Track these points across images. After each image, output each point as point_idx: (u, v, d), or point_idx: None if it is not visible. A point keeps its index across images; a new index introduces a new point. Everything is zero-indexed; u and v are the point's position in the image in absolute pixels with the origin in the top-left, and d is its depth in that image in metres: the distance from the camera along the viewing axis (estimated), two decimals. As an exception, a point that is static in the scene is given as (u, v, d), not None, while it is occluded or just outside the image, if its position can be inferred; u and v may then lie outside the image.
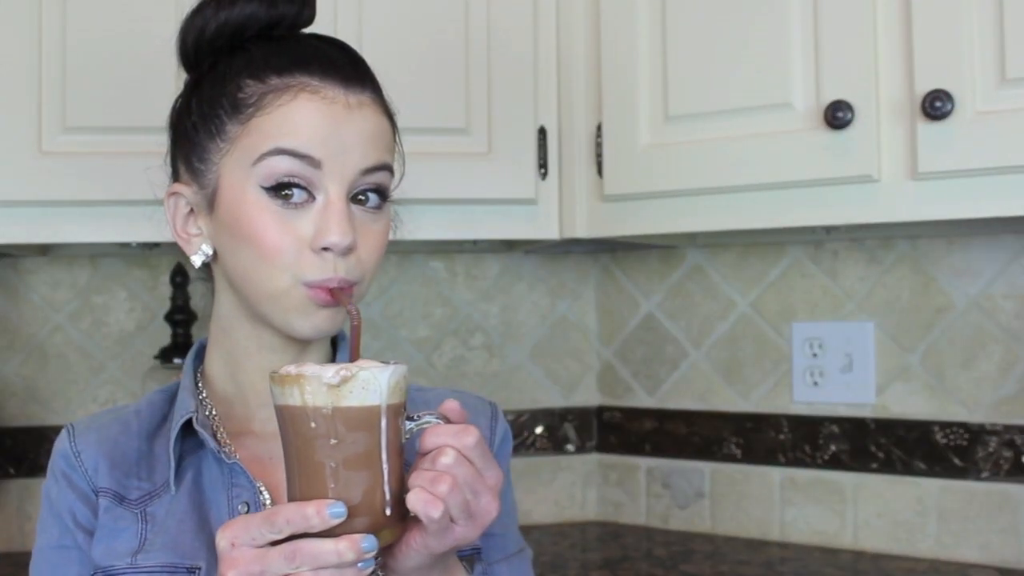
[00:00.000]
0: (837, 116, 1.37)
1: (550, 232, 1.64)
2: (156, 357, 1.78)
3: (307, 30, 0.97)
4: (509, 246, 1.93)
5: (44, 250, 1.80)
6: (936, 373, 1.72)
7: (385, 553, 0.83)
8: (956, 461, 1.69)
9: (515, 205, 1.62)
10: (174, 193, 0.96)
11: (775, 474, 1.85)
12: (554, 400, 2.04)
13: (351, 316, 0.86)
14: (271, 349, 0.95)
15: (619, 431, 2.02)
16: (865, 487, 1.77)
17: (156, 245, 1.68)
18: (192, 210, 0.95)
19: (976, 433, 1.68)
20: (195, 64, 0.96)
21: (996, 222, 1.44)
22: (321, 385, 0.77)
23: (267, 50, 0.92)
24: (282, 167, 0.88)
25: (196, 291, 1.70)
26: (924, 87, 1.33)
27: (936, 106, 1.31)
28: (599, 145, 1.60)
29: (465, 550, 0.95)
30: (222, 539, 0.79)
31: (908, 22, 1.36)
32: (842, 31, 1.39)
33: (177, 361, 1.73)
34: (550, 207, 1.64)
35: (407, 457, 0.82)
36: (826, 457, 1.80)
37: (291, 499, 0.80)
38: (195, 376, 1.00)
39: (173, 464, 0.94)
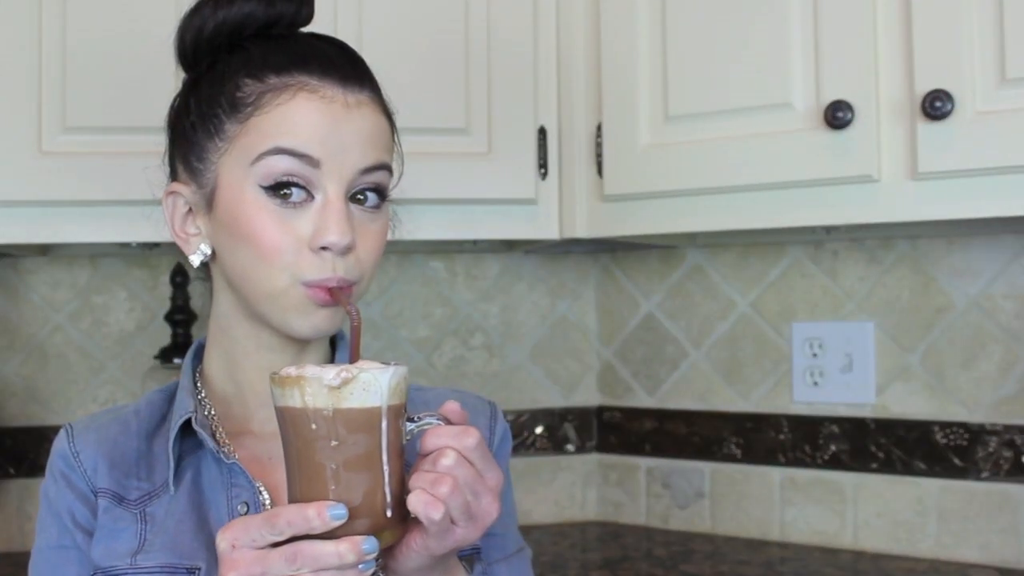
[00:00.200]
0: (837, 116, 1.37)
1: (550, 232, 1.64)
2: (156, 357, 1.78)
3: (306, 29, 0.97)
4: (509, 246, 1.93)
5: (44, 250, 1.80)
6: (936, 373, 1.71)
7: (386, 554, 0.83)
8: (956, 461, 1.69)
9: (515, 205, 1.62)
10: (172, 192, 0.96)
11: (775, 474, 1.85)
12: (554, 400, 2.04)
13: (351, 316, 0.85)
14: (270, 349, 0.95)
15: (619, 431, 2.02)
16: (865, 487, 1.77)
17: (156, 245, 1.68)
18: (190, 210, 0.95)
19: (976, 433, 1.67)
20: (193, 63, 0.96)
21: (996, 222, 1.43)
22: (322, 387, 0.77)
23: (265, 49, 0.92)
24: (281, 166, 0.88)
25: (196, 291, 1.70)
26: (924, 87, 1.33)
27: (936, 106, 1.31)
28: (599, 145, 1.59)
29: (465, 550, 0.94)
30: (222, 540, 0.79)
31: (908, 22, 1.36)
32: (842, 31, 1.39)
33: (177, 361, 1.73)
34: (550, 207, 1.63)
35: (408, 458, 0.82)
36: (826, 457, 1.80)
37: (292, 500, 0.80)
38: (194, 376, 1.00)
39: (172, 464, 0.94)
